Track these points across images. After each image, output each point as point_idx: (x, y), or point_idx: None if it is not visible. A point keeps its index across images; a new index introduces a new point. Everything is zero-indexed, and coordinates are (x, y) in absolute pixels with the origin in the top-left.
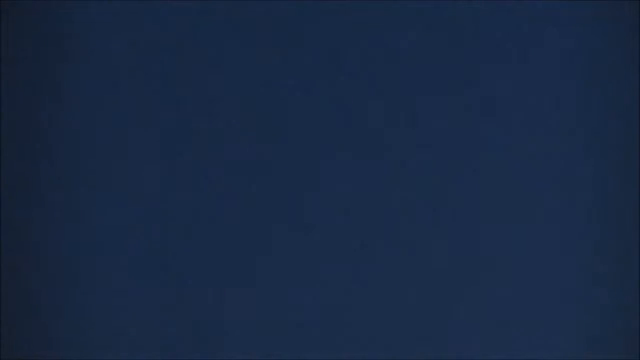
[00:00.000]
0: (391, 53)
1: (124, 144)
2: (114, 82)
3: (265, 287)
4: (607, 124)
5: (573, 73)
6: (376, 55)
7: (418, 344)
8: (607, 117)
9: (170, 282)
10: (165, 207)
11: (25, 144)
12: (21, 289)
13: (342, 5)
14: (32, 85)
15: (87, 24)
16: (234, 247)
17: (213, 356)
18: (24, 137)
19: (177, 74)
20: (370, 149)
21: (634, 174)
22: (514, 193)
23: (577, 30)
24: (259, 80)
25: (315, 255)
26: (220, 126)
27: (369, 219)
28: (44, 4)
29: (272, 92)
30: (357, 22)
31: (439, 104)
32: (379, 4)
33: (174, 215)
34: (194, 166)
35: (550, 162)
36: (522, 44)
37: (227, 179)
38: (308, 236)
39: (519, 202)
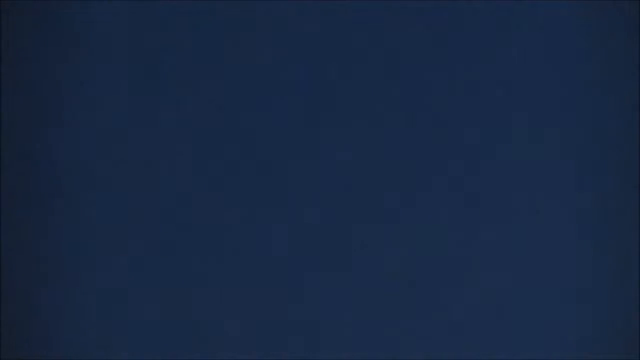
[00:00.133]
0: (391, 53)
1: (124, 144)
2: (114, 82)
3: (265, 287)
4: (607, 124)
5: (573, 73)
6: (376, 55)
7: (418, 344)
8: (607, 117)
9: (170, 282)
10: (165, 207)
11: (25, 144)
12: (21, 289)
13: (342, 5)
14: (32, 85)
15: (87, 24)
16: (234, 247)
17: (213, 356)
18: (24, 137)
19: (177, 74)
20: (369, 148)
21: (634, 174)
22: (514, 193)
23: (577, 30)
24: (259, 80)
25: (315, 255)
26: (221, 126)
27: (368, 218)
28: (44, 4)
29: (272, 92)
30: (357, 22)
31: (439, 104)
32: (379, 4)
33: (174, 215)
34: (194, 166)
35: (550, 162)
36: (522, 44)
37: (227, 179)
38: (308, 236)
39: (519, 202)
